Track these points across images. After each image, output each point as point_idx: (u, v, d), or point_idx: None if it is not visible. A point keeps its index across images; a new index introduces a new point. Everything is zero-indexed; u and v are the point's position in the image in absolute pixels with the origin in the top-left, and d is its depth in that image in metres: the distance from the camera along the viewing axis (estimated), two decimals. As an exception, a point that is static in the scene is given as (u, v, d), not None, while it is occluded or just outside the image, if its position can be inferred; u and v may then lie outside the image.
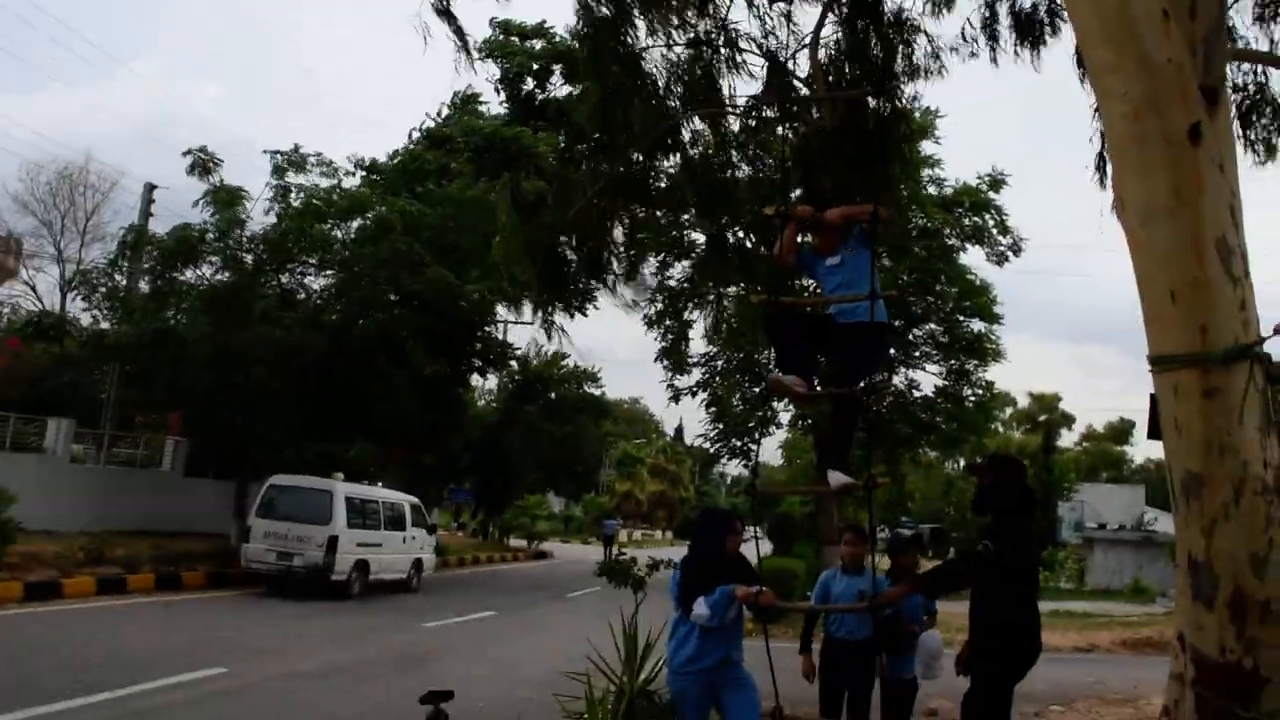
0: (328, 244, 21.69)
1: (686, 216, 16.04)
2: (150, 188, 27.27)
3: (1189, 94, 4.98)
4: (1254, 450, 4.90)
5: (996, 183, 24.11)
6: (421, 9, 10.92)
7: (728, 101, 11.65)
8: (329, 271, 22.38)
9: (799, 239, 5.65)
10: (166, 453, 25.60)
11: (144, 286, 22.35)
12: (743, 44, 11.34)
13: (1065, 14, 8.19)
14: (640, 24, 11.03)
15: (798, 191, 11.49)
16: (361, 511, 19.27)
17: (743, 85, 12.75)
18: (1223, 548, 4.92)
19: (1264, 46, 9.99)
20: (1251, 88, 10.21)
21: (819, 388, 5.58)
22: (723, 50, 11.31)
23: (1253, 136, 10.17)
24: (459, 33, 11.23)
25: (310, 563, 17.63)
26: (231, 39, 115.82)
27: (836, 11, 10.64)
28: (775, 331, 5.75)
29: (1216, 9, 5.56)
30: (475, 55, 21.76)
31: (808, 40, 10.68)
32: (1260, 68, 10.02)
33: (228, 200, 20.77)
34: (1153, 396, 5.47)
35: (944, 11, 10.43)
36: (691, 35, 11.22)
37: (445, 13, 11.09)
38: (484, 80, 23.68)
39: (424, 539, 22.16)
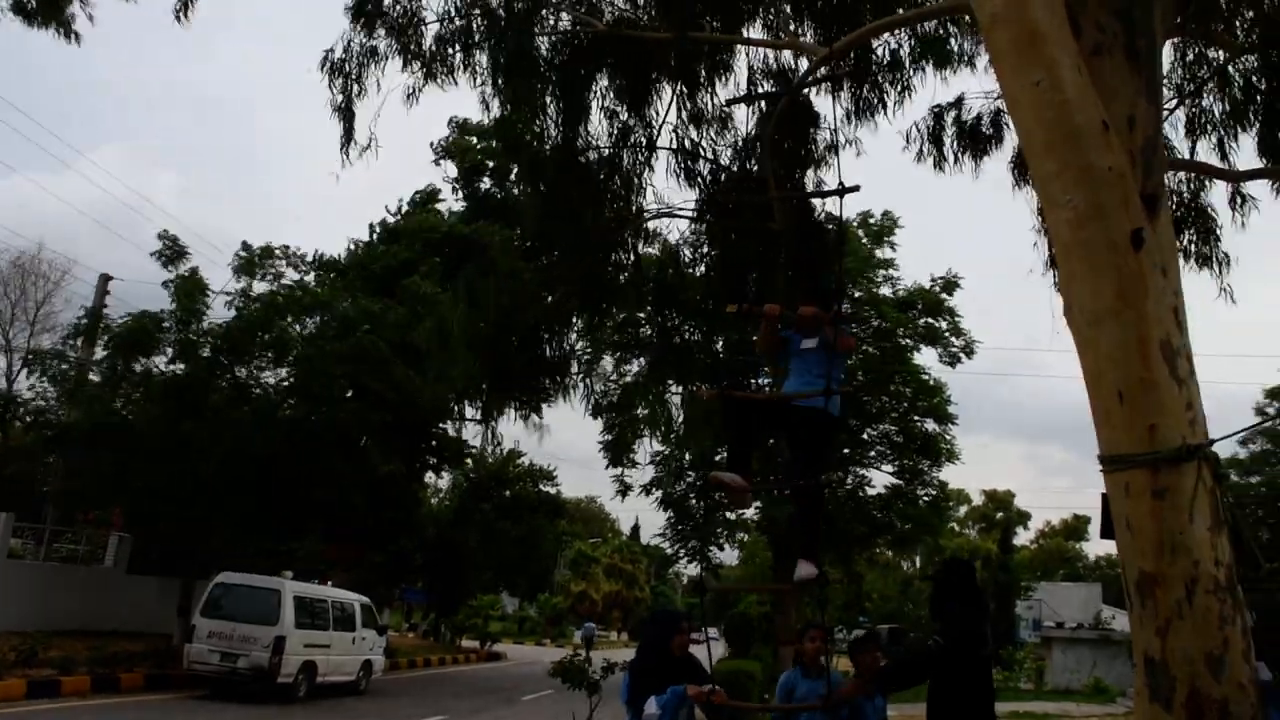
0: (287, 340, 21.56)
1: (641, 315, 16.24)
2: (106, 278, 27.06)
3: (1130, 201, 5.16)
4: (1205, 549, 4.93)
5: (950, 285, 24.72)
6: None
7: (672, 204, 11.96)
8: (285, 367, 22.20)
9: (775, 334, 5.77)
10: (109, 548, 24.86)
11: (94, 376, 22.01)
12: (684, 144, 11.68)
13: (1007, 126, 8.54)
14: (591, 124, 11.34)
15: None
16: (310, 611, 18.79)
17: (679, 189, 13.11)
18: (1178, 647, 4.92)
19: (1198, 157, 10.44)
20: (1185, 196, 10.63)
21: (760, 485, 5.63)
22: (662, 151, 11.64)
23: (1185, 242, 10.56)
24: (348, 132, 11.48)
25: (256, 664, 17.07)
26: (191, 130, 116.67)
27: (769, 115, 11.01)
28: (728, 425, 5.82)
29: (1154, 121, 5.81)
30: (435, 154, 22.33)
31: (740, 143, 11.06)
32: (1194, 177, 10.44)
33: (189, 290, 20.65)
34: (1104, 496, 5.53)
35: (871, 120, 10.89)
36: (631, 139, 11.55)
37: (343, 110, 11.37)
38: (442, 179, 24.11)
39: (374, 640, 21.61)
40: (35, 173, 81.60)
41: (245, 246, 21.84)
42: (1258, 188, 10.67)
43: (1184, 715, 4.84)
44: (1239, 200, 10.75)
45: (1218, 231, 10.80)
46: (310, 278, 24.14)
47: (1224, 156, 10.35)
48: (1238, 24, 8.48)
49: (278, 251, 22.26)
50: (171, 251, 20.81)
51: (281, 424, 20.99)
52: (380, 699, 19.92)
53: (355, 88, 11.46)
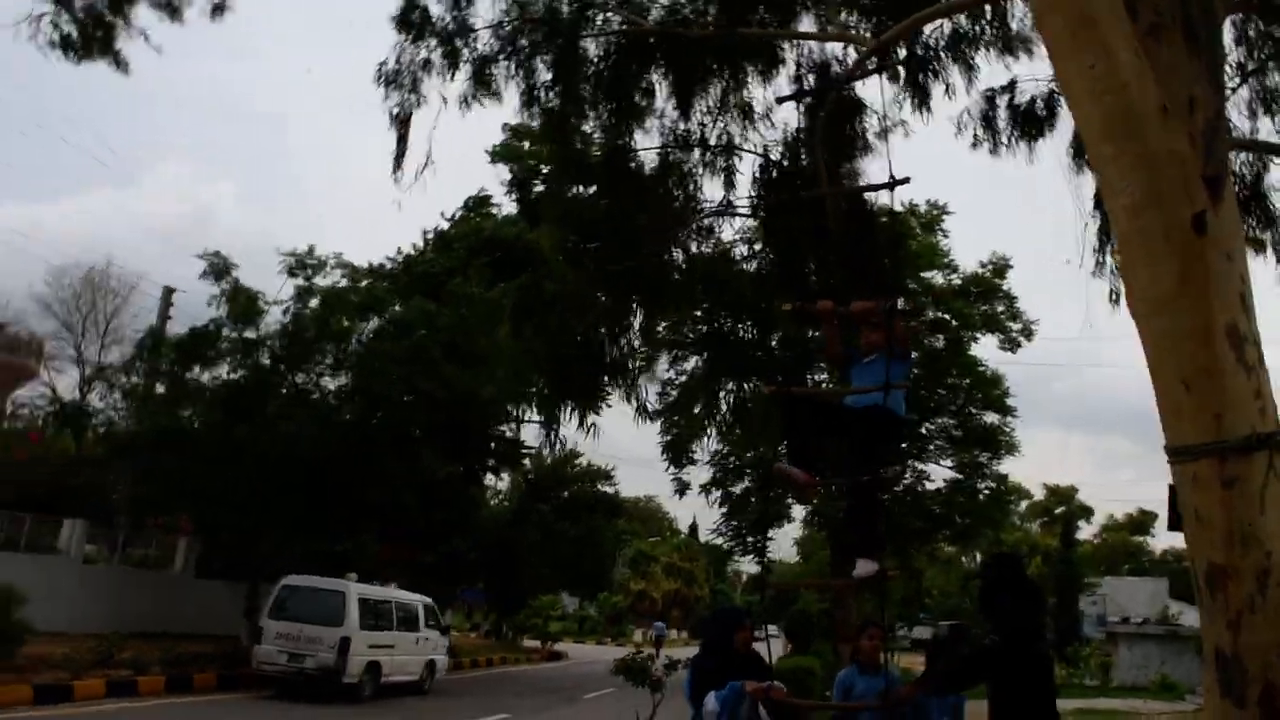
0: (345, 340, 21.89)
1: (698, 313, 16.23)
2: (169, 291, 27.69)
3: (1192, 185, 5.04)
4: (1277, 540, 4.81)
5: (1001, 269, 24.33)
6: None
7: (725, 200, 11.92)
8: (343, 371, 22.55)
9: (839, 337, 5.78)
10: (178, 553, 25.46)
11: (159, 388, 22.53)
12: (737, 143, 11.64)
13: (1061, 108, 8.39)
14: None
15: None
16: (374, 612, 19.04)
17: (730, 186, 13.01)
18: (1251, 641, 4.80)
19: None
20: (1249, 179, 10.37)
21: (823, 481, 5.60)
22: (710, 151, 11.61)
23: (1250, 227, 10.31)
24: (401, 146, 11.53)
25: (322, 664, 17.36)
26: (250, 141, 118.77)
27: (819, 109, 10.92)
28: (787, 422, 5.81)
29: (1215, 101, 5.66)
30: (490, 159, 22.52)
31: (790, 138, 10.99)
32: (1257, 158, 10.18)
33: (243, 300, 21.05)
34: (1171, 487, 5.40)
35: (927, 112, 10.75)
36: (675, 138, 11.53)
37: (400, 123, 11.44)
38: (497, 183, 24.38)
39: (437, 640, 21.83)
40: (102, 188, 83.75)
41: (294, 252, 22.16)
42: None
43: (1258, 712, 4.72)
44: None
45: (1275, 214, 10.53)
46: (362, 284, 24.47)
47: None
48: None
49: (329, 259, 22.58)
50: (218, 267, 21.21)
51: (337, 427, 21.29)
52: (444, 698, 20.12)
53: (411, 98, 11.56)
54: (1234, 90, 10.09)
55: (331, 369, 22.52)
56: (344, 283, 22.70)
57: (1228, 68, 9.62)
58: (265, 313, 21.32)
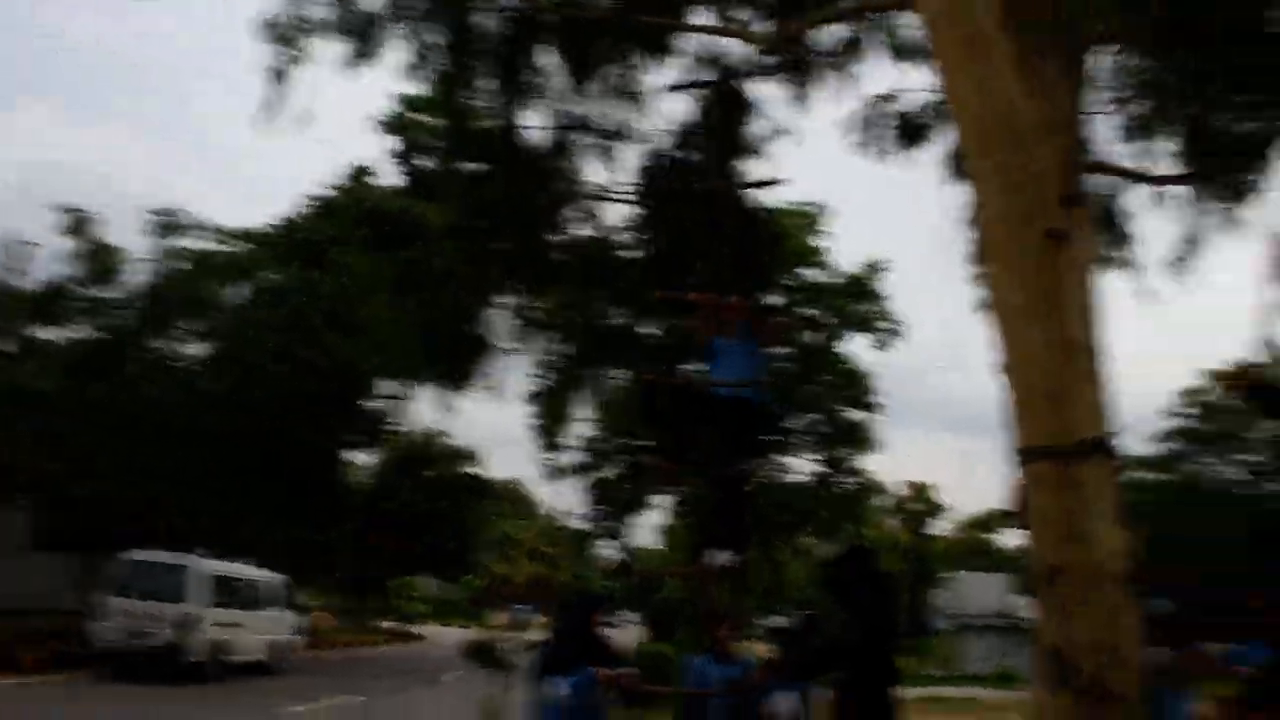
0: (214, 307, 21.10)
1: (576, 297, 16.17)
2: (25, 244, 26.09)
3: (1054, 202, 5.31)
4: (1107, 541, 5.11)
5: (875, 269, 25.07)
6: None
7: (606, 188, 11.95)
8: (212, 337, 21.73)
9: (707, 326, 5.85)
10: (14, 523, 24.07)
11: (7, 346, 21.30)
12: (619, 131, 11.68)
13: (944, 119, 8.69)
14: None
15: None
16: (224, 589, 18.46)
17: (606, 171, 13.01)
18: (1077, 634, 5.09)
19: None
20: (1109, 200, 10.93)
21: (687, 471, 5.70)
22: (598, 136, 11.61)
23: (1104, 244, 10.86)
24: (278, 99, 11.15)
25: (164, 643, 16.70)
26: (121, 89, 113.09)
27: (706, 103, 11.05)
28: (652, 411, 5.89)
29: (1081, 124, 5.98)
30: (378, 128, 21.96)
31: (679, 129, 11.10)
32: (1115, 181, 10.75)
33: (102, 258, 20.07)
34: (1017, 488, 5.69)
35: (813, 113, 11.02)
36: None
37: (277, 77, 11.09)
38: (384, 153, 23.71)
39: (290, 619, 21.31)
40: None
41: (162, 210, 21.22)
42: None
43: (1078, 699, 5.01)
44: (1153, 205, 11.11)
45: (1127, 233, 11.14)
46: (238, 249, 23.62)
47: (1145, 161, 10.67)
48: (1161, 35, 8.72)
49: (199, 221, 21.71)
50: (76, 222, 20.18)
51: (204, 395, 20.52)
52: (295, 679, 19.64)
53: (291, 54, 11.17)
54: (1101, 115, 10.61)
55: (200, 334, 21.68)
56: (214, 246, 21.87)
57: (1094, 94, 10.11)
58: (122, 272, 20.35)
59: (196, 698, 15.40)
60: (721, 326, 5.78)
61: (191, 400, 19.84)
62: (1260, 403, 4.93)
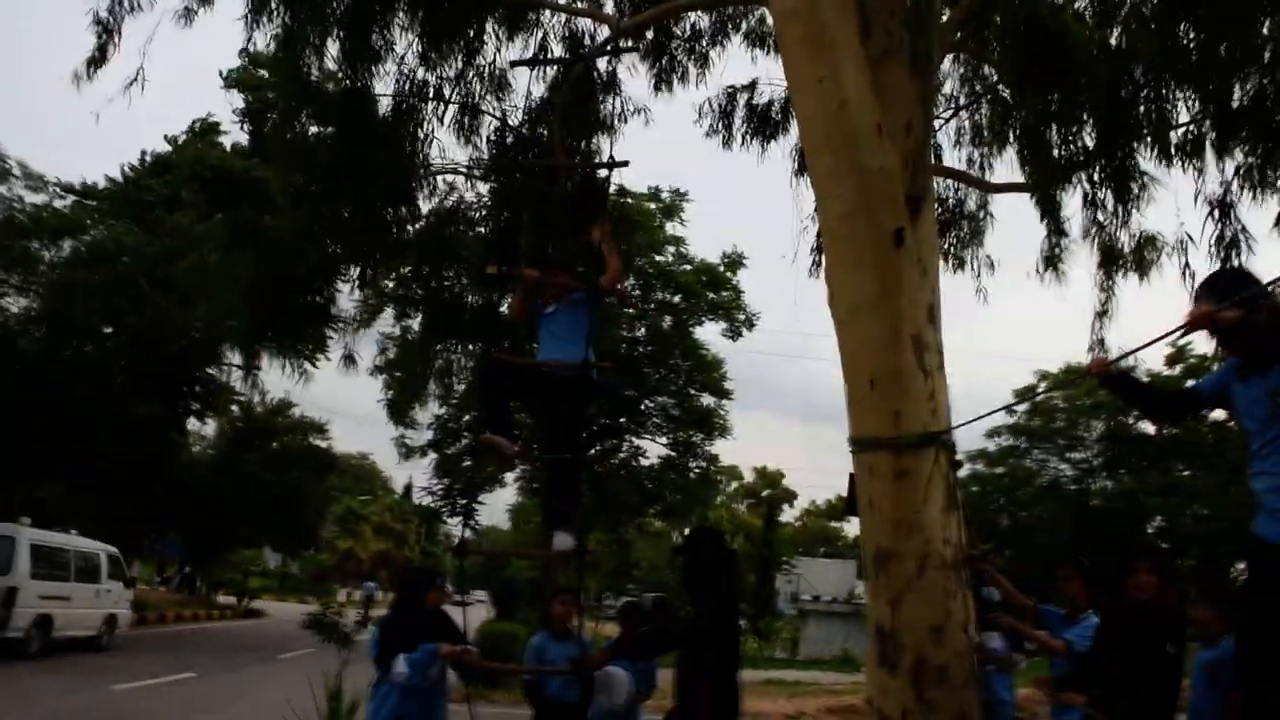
0: (31, 263, 19.80)
1: (423, 269, 15.85)
2: None
3: (896, 201, 5.47)
4: (937, 529, 5.33)
5: (734, 263, 25.46)
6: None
7: (459, 160, 11.77)
8: (31, 293, 20.42)
9: (526, 300, 5.80)
10: None
11: None
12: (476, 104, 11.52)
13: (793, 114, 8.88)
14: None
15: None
16: (49, 561, 17.54)
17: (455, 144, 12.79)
18: (907, 618, 5.30)
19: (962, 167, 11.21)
20: (952, 203, 11.38)
21: (527, 452, 5.66)
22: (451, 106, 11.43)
23: (947, 246, 11.31)
24: (102, 53, 10.44)
25: (-17, 616, 15.76)
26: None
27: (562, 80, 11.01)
28: (488, 388, 5.81)
29: (926, 127, 6.18)
30: (223, 85, 20.98)
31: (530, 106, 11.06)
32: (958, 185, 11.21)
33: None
34: (851, 476, 5.88)
35: (662, 94, 11.12)
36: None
37: (103, 27, 10.35)
38: (229, 112, 22.61)
39: (120, 593, 20.36)
40: None
41: None
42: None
43: (908, 679, 5.23)
44: (985, 212, 11.68)
45: (966, 235, 11.65)
46: (65, 204, 22.22)
47: (984, 168, 11.16)
48: (1005, 47, 9.11)
49: (14, 168, 20.28)
50: None
51: (21, 355, 19.27)
52: (124, 655, 18.80)
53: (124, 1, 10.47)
54: (945, 121, 11.02)
55: (17, 290, 20.34)
56: (31, 198, 20.54)
57: (941, 100, 10.49)
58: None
59: (18, 675, 14.58)
60: (550, 299, 5.75)
61: (8, 360, 18.60)
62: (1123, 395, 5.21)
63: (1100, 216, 10.42)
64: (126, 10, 10.21)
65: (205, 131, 25.09)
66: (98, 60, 10.27)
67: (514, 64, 11.33)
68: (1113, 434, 33.53)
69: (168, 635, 25.61)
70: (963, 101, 11.25)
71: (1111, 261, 10.76)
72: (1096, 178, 10.05)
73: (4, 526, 17.11)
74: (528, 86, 11.50)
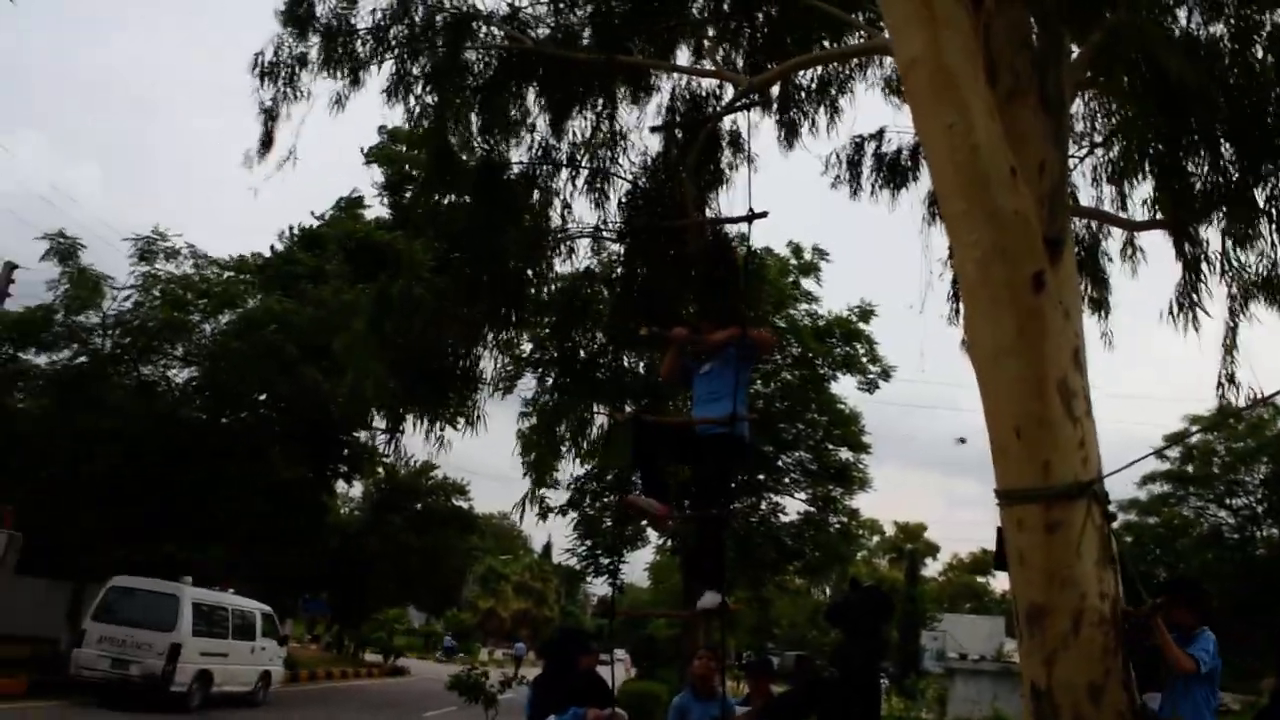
0: (191, 332, 21.00)
1: (555, 331, 16.15)
2: (10, 267, 26.02)
3: (1034, 244, 5.32)
4: (1092, 583, 5.09)
5: (866, 314, 25.10)
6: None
7: (588, 224, 12.03)
8: (193, 365, 21.63)
9: (679, 360, 5.83)
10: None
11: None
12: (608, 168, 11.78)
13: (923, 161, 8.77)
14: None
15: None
16: (209, 618, 18.31)
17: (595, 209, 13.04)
18: (1063, 677, 5.07)
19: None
20: (1089, 242, 11.01)
21: (678, 511, 5.64)
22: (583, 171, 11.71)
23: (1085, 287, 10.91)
24: (268, 138, 11.34)
25: (149, 671, 16.53)
26: (118, 120, 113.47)
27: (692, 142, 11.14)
28: (639, 450, 5.83)
29: (1061, 167, 6.03)
30: (365, 160, 22.09)
31: (656, 166, 11.21)
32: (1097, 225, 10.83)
33: (87, 283, 19.98)
34: (999, 529, 5.67)
35: (789, 148, 11.12)
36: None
37: (268, 115, 11.25)
38: (369, 186, 23.74)
39: (274, 650, 21.11)
40: (-60, 155, 78.34)
41: (146, 235, 21.09)
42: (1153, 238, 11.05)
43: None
44: (1131, 250, 11.20)
45: (1106, 277, 11.20)
46: (222, 276, 23.56)
47: (1123, 206, 10.76)
48: (1139, 82, 8.81)
49: (182, 248, 21.62)
50: (62, 248, 20.15)
51: (187, 424, 20.39)
52: (278, 711, 19.46)
53: (285, 92, 11.30)
54: (1080, 160, 10.71)
55: (181, 361, 21.58)
56: (195, 274, 21.84)
57: (1074, 139, 10.21)
58: (105, 297, 20.28)
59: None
60: (699, 358, 5.76)
61: (172, 428, 19.69)
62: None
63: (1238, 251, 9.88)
64: (290, 99, 11.01)
65: (350, 205, 26.31)
66: (265, 144, 11.11)
67: (654, 129, 11.58)
68: (1277, 478, 31.43)
69: (318, 692, 26.39)
70: (1097, 140, 10.93)
71: (1248, 296, 10.16)
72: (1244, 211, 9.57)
73: (169, 585, 17.93)
74: (659, 149, 11.71)
